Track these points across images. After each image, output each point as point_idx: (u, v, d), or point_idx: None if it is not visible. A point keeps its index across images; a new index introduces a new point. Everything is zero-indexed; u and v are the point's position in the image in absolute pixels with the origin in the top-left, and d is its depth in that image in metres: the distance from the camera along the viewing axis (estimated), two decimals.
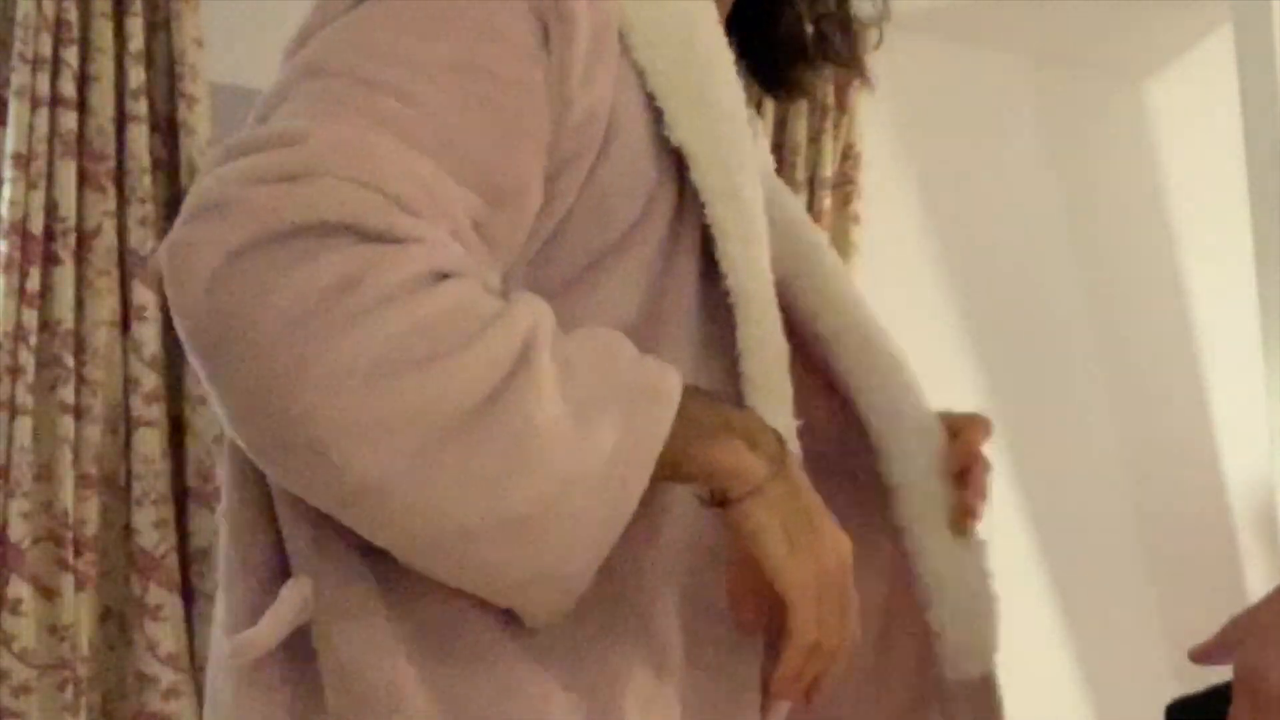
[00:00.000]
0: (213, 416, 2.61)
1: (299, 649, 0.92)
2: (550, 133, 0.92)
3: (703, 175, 0.97)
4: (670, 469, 0.89)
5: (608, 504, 0.86)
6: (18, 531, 2.37)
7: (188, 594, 2.54)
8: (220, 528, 1.00)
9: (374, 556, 0.92)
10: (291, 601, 0.90)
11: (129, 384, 2.51)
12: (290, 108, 0.90)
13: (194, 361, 0.85)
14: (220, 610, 0.98)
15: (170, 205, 2.59)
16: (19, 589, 2.36)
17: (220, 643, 0.97)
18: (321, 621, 0.91)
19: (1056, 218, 3.35)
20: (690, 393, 0.90)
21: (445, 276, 0.83)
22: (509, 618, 0.91)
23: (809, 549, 0.92)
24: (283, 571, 0.95)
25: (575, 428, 0.85)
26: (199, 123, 2.59)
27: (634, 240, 0.95)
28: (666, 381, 0.89)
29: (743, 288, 0.96)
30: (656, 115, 0.97)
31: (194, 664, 2.48)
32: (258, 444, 0.86)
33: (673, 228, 0.97)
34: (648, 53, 0.98)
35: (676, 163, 0.97)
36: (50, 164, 2.48)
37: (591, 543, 0.87)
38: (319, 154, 0.84)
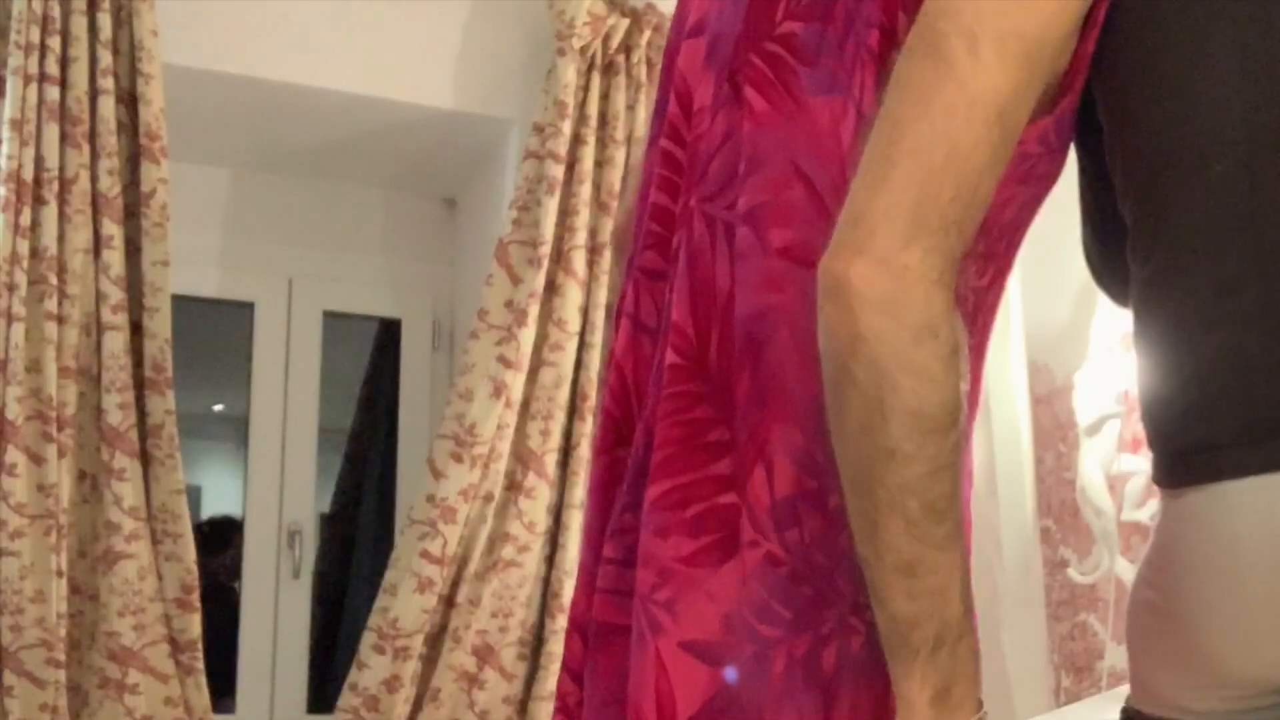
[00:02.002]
0: (164, 321, 2.71)
1: None
2: None
3: None
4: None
5: None
6: (12, 411, 2.53)
7: (145, 460, 2.67)
8: None
9: None
10: None
11: (99, 297, 2.66)
12: None
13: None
14: None
15: (132, 160, 2.76)
16: (15, 456, 2.52)
17: None
18: None
19: None
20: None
21: None
22: None
23: None
24: None
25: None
26: (154, 95, 2.74)
27: None
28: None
29: None
30: None
31: (150, 514, 2.64)
32: None
33: None
34: None
35: None
36: (39, 127, 2.63)
37: None
38: None
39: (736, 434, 1.09)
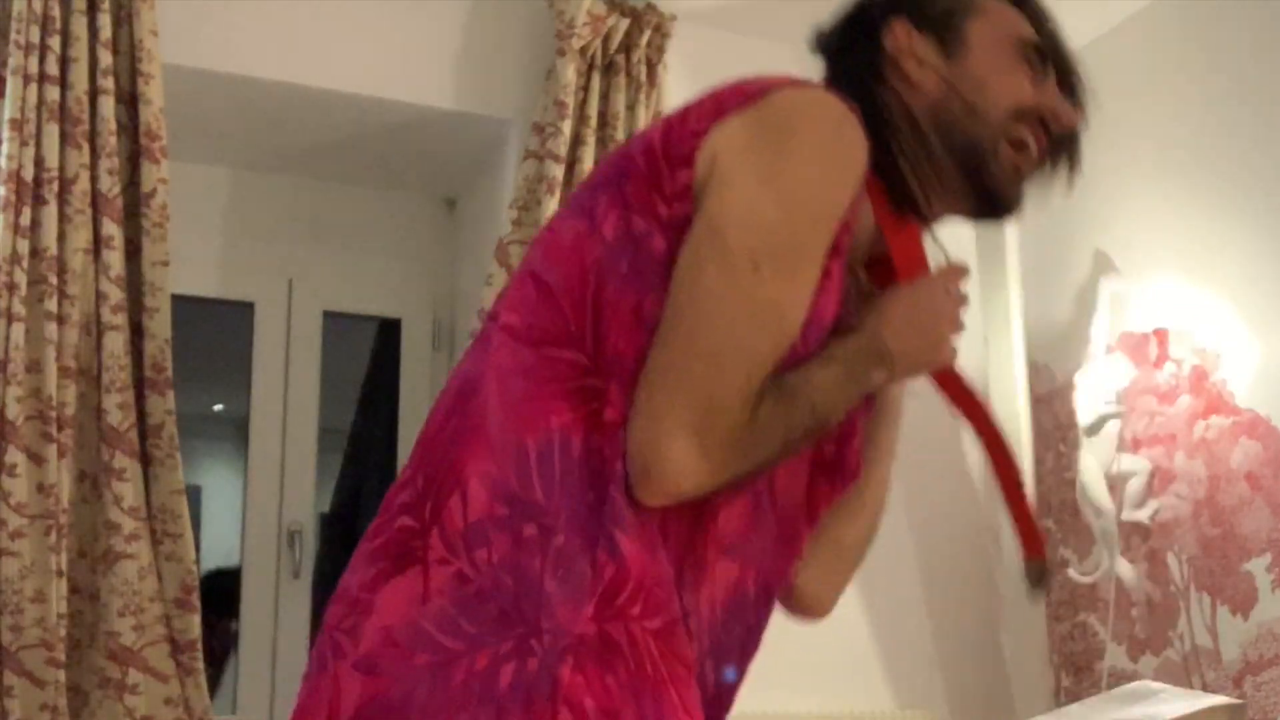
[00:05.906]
0: (164, 321, 2.71)
1: None
2: None
3: None
4: None
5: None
6: (13, 411, 2.53)
7: (145, 460, 2.67)
8: None
9: None
10: None
11: (99, 297, 2.66)
12: None
13: None
14: None
15: (132, 160, 2.76)
16: (15, 456, 2.52)
17: None
18: None
19: None
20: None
21: None
22: None
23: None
24: None
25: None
26: (154, 95, 2.76)
27: None
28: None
29: None
30: None
31: (150, 514, 2.64)
32: None
33: None
34: None
35: None
36: (39, 127, 2.64)
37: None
38: None
39: (435, 469, 1.21)
